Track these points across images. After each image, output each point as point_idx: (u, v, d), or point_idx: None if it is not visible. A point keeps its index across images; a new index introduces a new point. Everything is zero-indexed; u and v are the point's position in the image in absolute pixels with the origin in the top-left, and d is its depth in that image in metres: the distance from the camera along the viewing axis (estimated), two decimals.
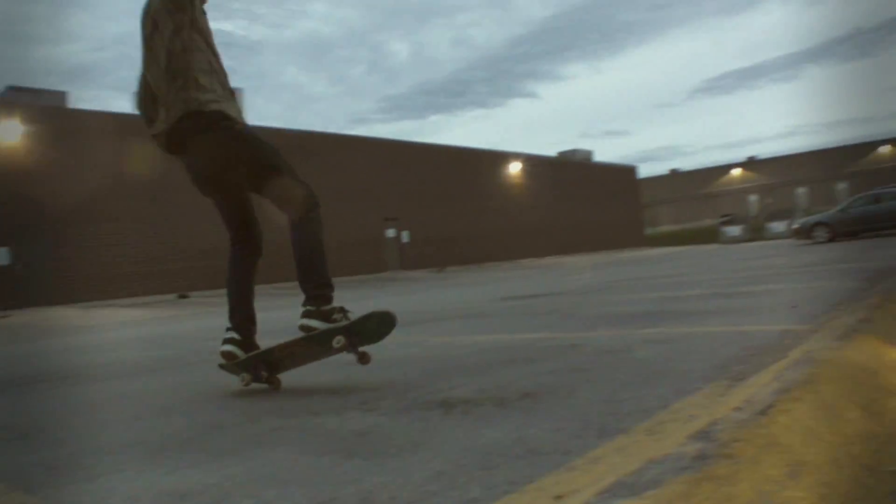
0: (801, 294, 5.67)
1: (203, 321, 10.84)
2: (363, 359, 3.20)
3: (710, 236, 43.64)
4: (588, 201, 42.53)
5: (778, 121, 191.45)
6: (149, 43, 3.44)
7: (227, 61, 3.60)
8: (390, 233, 32.05)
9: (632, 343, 3.74)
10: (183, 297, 22.01)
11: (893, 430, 2.05)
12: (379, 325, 3.23)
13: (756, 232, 39.21)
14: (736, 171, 70.08)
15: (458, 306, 9.05)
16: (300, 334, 3.27)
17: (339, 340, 3.10)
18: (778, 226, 37.10)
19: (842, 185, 59.63)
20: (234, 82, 3.63)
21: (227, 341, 3.52)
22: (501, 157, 37.82)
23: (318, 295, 3.28)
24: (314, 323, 3.22)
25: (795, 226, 25.21)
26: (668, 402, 2.23)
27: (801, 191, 63.10)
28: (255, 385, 3.41)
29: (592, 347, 3.73)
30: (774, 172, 66.88)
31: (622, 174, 48.63)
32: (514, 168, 37.84)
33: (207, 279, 23.48)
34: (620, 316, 5.35)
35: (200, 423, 2.83)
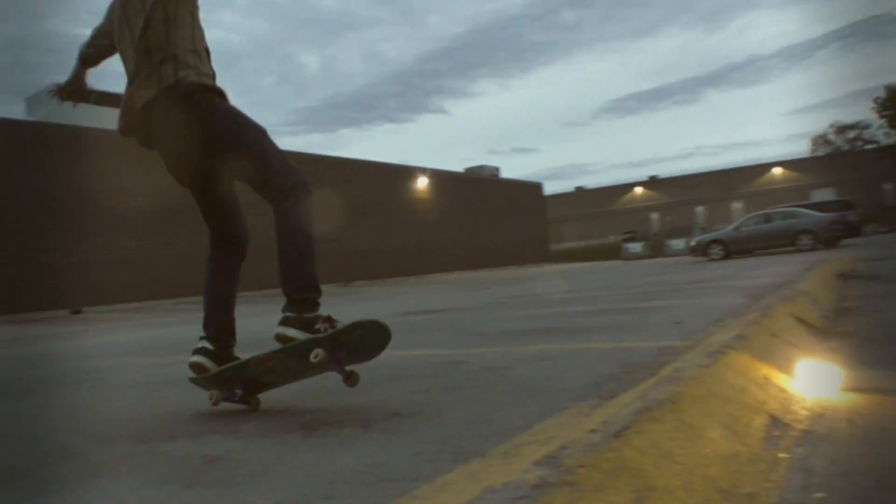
0: (688, 310, 5.75)
1: (91, 339, 10.37)
2: (350, 379, 2.67)
3: (613, 252, 44.63)
4: (495, 217, 42.90)
5: (679, 142, 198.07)
6: (123, 2, 3.01)
7: None
8: None
9: (515, 360, 3.68)
10: (76, 312, 21.11)
11: (756, 450, 2.02)
12: (368, 337, 2.74)
13: (657, 248, 40.32)
14: (638, 190, 72.03)
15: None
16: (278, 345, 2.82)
17: (317, 354, 2.61)
18: (677, 243, 38.22)
19: (737, 205, 62.01)
20: None
21: (197, 351, 3.06)
22: (409, 172, 37.79)
23: (301, 299, 2.82)
24: (292, 332, 2.76)
25: (692, 243, 25.97)
26: (533, 422, 2.16)
27: (699, 209, 65.33)
28: (204, 405, 3.01)
29: (475, 364, 3.66)
30: (675, 191, 69.00)
31: (528, 191, 49.27)
32: (422, 183, 37.87)
33: (104, 294, 22.63)
34: (512, 332, 5.31)
35: (47, 451, 2.62)
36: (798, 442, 2.19)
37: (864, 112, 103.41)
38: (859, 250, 18.02)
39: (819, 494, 1.76)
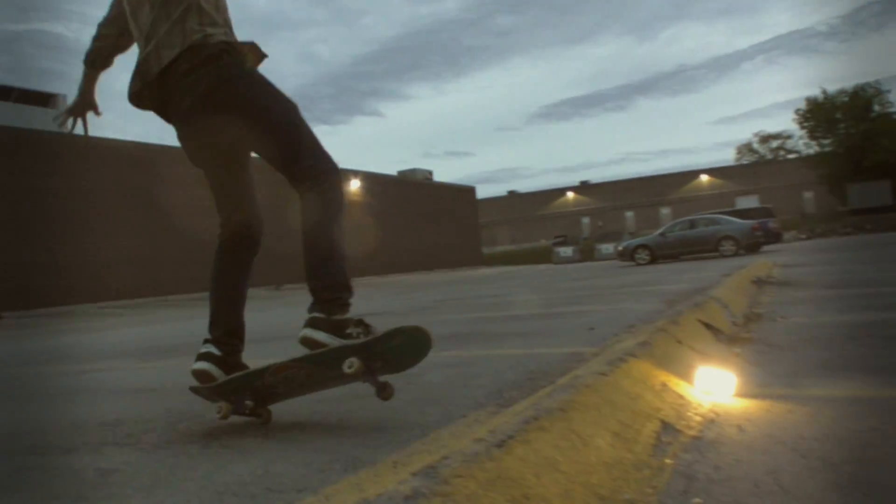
0: (604, 316, 5.86)
1: (7, 346, 10.07)
2: (384, 391, 2.36)
3: (544, 256, 45.12)
4: (427, 220, 42.98)
5: (611, 147, 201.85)
6: None
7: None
8: None
9: (426, 367, 3.67)
10: None
11: (642, 457, 2.08)
12: (407, 345, 2.44)
13: (587, 253, 40.90)
14: (570, 195, 73.04)
15: (281, 327, 8.84)
16: (301, 350, 2.50)
17: (351, 364, 2.28)
18: (607, 247, 38.83)
19: (666, 210, 63.39)
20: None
21: (202, 357, 2.71)
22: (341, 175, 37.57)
23: (331, 299, 2.49)
24: (321, 336, 2.42)
25: (620, 248, 26.44)
26: (429, 431, 2.20)
27: (629, 214, 66.56)
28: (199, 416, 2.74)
29: None
30: (606, 196, 70.20)
31: (461, 194, 49.51)
32: (354, 185, 37.71)
33: (24, 298, 21.96)
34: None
35: None
36: (686, 448, 2.26)
37: (787, 123, 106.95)
38: (778, 256, 18.58)
39: (697, 500, 1.82)
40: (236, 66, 2.59)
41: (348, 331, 2.43)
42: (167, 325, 11.49)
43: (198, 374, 2.69)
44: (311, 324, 2.46)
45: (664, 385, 2.81)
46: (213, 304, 2.84)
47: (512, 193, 78.27)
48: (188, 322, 12.27)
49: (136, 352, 6.68)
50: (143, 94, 2.67)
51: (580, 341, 4.14)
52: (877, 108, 51.16)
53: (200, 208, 30.55)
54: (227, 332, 2.79)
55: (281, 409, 2.89)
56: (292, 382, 2.56)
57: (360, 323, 2.46)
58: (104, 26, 2.96)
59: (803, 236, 39.94)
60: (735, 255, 22.35)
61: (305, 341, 2.45)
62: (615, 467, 1.90)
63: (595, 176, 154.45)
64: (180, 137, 2.75)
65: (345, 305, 2.52)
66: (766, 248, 25.41)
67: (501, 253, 57.33)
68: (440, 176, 52.44)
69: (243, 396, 2.58)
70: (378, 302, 12.75)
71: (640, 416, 2.38)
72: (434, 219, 43.77)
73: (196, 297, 25.64)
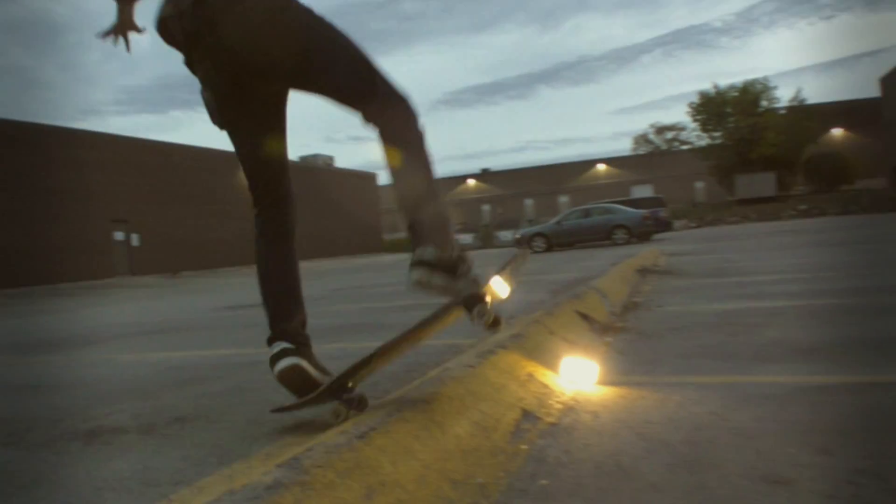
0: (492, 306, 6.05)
1: None
2: (497, 324, 2.28)
3: None
4: (328, 207, 42.75)
5: (512, 135, 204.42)
6: None
7: None
8: (118, 235, 30.28)
9: None
10: None
11: (499, 443, 2.27)
12: (515, 271, 2.32)
13: (486, 240, 41.46)
14: (471, 182, 73.69)
15: (173, 317, 8.79)
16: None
17: (481, 310, 2.16)
18: (506, 234, 39.47)
19: (564, 199, 64.74)
20: None
21: (283, 354, 2.35)
22: None
23: (439, 235, 2.20)
24: (438, 280, 2.11)
25: (517, 236, 27.00)
26: (305, 424, 2.33)
27: (528, 202, 67.67)
28: None
29: None
30: (506, 184, 71.15)
31: (363, 180, 49.44)
32: None
33: None
34: (321, 329, 5.43)
35: None
36: (542, 434, 2.46)
37: (681, 115, 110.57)
38: (667, 245, 19.33)
39: (543, 482, 2.02)
40: None
41: (460, 270, 2.19)
42: (54, 317, 11.20)
43: (289, 374, 2.33)
44: (424, 264, 2.13)
45: (530, 375, 3.02)
46: (269, 297, 2.55)
47: None
48: (76, 313, 11.97)
49: (20, 346, 6.55)
50: (181, 12, 2.21)
51: (461, 333, 4.30)
52: (764, 103, 53.53)
53: (86, 194, 29.66)
54: (298, 322, 2.52)
55: (163, 405, 2.98)
56: (390, 357, 2.45)
57: (463, 257, 2.23)
58: None
59: (693, 225, 41.51)
60: (627, 243, 23.15)
61: (422, 284, 2.13)
62: (472, 454, 2.08)
63: (496, 163, 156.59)
64: (212, 85, 2.35)
65: (449, 238, 2.25)
66: (657, 236, 26.32)
67: (403, 240, 57.44)
68: (342, 162, 52.27)
69: (343, 390, 2.27)
70: None
71: (502, 405, 2.56)
72: (335, 205, 43.57)
73: (83, 285, 24.89)
